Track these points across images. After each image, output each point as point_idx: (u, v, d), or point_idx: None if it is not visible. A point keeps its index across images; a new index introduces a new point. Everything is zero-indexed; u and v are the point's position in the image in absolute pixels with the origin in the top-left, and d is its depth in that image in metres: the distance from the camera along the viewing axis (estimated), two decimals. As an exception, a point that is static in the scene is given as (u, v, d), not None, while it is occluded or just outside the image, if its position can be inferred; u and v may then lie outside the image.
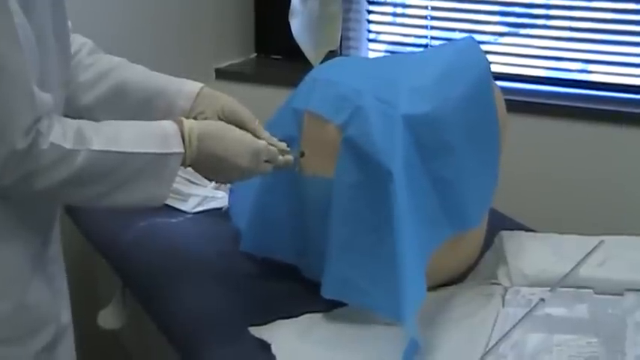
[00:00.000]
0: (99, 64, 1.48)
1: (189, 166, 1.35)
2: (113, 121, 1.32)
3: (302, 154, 1.52)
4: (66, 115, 1.34)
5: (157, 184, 1.29)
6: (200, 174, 1.40)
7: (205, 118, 1.46)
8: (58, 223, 1.37)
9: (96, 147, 1.22)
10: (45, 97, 1.18)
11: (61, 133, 1.19)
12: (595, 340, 1.42)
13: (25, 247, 1.26)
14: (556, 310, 1.51)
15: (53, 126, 1.18)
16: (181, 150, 1.31)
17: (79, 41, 1.47)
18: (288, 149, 1.46)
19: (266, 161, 1.41)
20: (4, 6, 1.12)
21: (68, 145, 1.19)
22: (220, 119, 1.46)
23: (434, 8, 2.62)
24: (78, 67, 1.45)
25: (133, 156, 1.26)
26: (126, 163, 1.25)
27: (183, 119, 1.35)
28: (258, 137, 1.42)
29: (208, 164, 1.35)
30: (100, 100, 1.46)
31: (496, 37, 2.58)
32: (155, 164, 1.28)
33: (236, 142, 1.37)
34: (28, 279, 1.26)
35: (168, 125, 1.32)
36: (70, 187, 1.22)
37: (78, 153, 1.20)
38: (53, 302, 1.32)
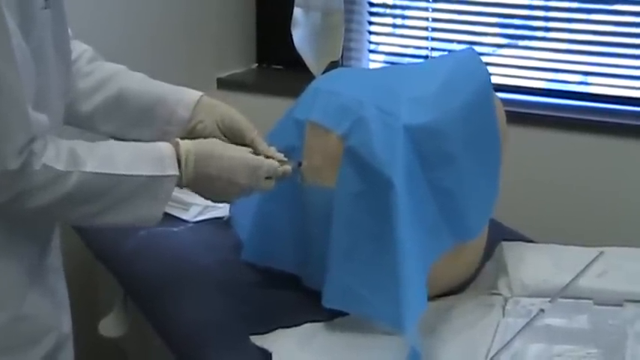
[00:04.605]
0: (98, 71, 1.47)
1: (186, 187, 1.34)
2: (109, 142, 1.32)
3: (299, 164, 1.51)
4: (66, 123, 1.35)
5: (150, 206, 1.29)
6: (198, 195, 1.38)
7: (205, 127, 1.45)
8: (58, 233, 1.37)
9: (89, 169, 1.22)
10: (40, 118, 1.18)
11: (55, 154, 1.19)
12: (595, 350, 1.42)
13: (21, 259, 1.25)
14: (556, 321, 1.52)
15: (47, 147, 1.18)
16: (176, 172, 1.30)
17: (79, 48, 1.46)
18: (286, 159, 1.45)
19: (268, 178, 1.40)
20: (2, 27, 1.11)
21: (60, 167, 1.19)
22: (219, 128, 1.46)
23: (434, 20, 2.63)
24: (77, 74, 1.43)
25: (127, 178, 1.25)
26: (119, 185, 1.25)
27: (179, 140, 1.34)
28: (256, 147, 1.42)
29: (205, 185, 1.35)
30: (99, 108, 1.45)
31: (495, 48, 2.59)
32: (149, 186, 1.28)
33: (233, 160, 1.36)
34: (24, 290, 1.26)
35: (164, 147, 1.32)
36: (62, 206, 1.22)
37: (70, 174, 1.20)
38: (53, 312, 1.32)
